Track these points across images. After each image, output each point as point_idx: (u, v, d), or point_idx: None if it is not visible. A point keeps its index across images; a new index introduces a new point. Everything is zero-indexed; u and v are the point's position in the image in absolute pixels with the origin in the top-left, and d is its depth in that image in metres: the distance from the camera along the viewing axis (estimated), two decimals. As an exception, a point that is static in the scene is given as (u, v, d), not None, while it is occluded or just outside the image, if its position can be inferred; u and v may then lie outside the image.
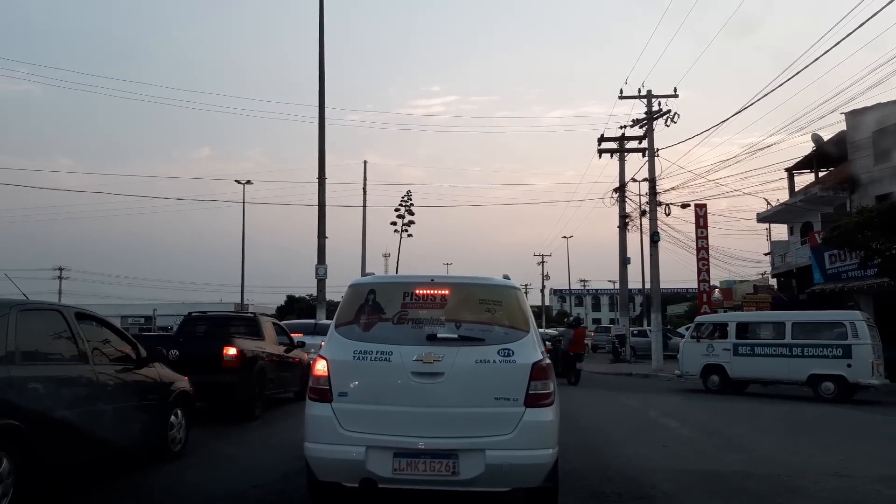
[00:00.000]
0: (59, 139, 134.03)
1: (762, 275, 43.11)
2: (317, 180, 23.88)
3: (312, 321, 19.85)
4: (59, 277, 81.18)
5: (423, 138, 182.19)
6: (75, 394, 5.36)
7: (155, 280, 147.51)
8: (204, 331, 12.54)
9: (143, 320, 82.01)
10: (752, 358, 16.49)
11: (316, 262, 24.40)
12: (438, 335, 4.83)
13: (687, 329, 22.46)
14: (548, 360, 4.89)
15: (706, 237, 28.23)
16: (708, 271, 28.32)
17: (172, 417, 7.00)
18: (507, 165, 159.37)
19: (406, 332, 4.91)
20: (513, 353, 4.77)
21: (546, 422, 4.71)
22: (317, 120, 23.79)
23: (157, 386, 6.81)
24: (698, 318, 20.38)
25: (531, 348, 4.84)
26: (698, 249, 28.17)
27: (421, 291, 5.07)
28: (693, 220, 28.54)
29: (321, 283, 24.50)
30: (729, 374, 16.90)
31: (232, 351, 9.98)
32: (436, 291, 5.06)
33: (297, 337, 13.64)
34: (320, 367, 4.85)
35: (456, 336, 4.83)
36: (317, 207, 23.96)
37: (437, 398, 4.65)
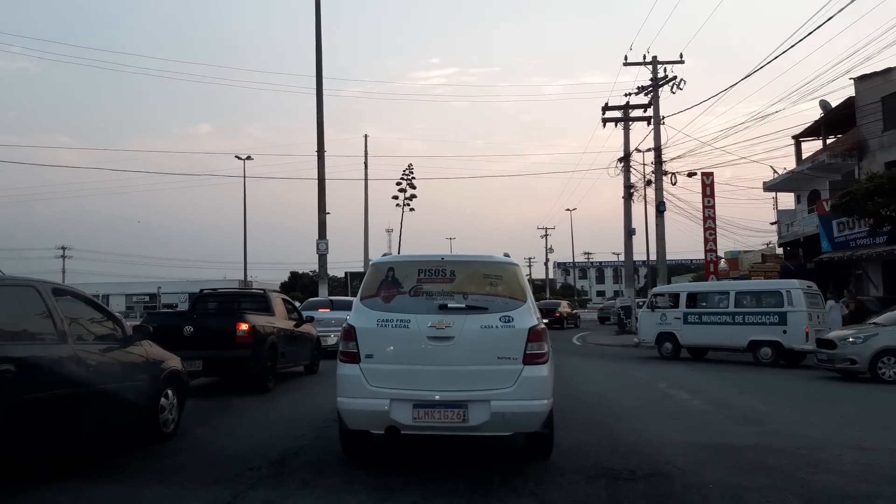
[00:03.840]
0: (56, 116, 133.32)
1: (767, 244, 42.70)
2: (316, 153, 23.46)
3: (329, 298, 20.59)
4: (63, 256, 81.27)
5: (423, 111, 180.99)
6: (53, 375, 5.05)
7: (158, 258, 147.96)
8: (216, 307, 12.77)
9: (147, 298, 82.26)
10: (699, 326, 17.56)
11: (317, 238, 24.07)
12: (449, 305, 5.60)
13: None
14: (543, 325, 5.68)
15: (713, 206, 27.76)
16: (715, 241, 27.88)
17: (163, 398, 6.69)
18: (509, 138, 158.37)
19: (421, 303, 5.68)
20: (512, 319, 5.55)
21: (542, 377, 5.49)
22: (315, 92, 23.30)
23: (146, 365, 6.50)
24: (654, 289, 21.09)
25: (528, 315, 5.63)
26: (705, 219, 27.73)
27: (433, 269, 5.85)
28: (699, 189, 28.12)
29: (322, 258, 24.20)
30: (680, 341, 17.93)
31: (244, 326, 10.24)
32: (446, 268, 5.85)
33: (313, 312, 14.42)
34: (349, 333, 5.65)
35: (464, 306, 5.60)
36: (316, 181, 23.56)
37: (448, 358, 5.44)
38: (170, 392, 6.84)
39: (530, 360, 5.45)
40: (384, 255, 6.54)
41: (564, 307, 41.13)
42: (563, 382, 11.97)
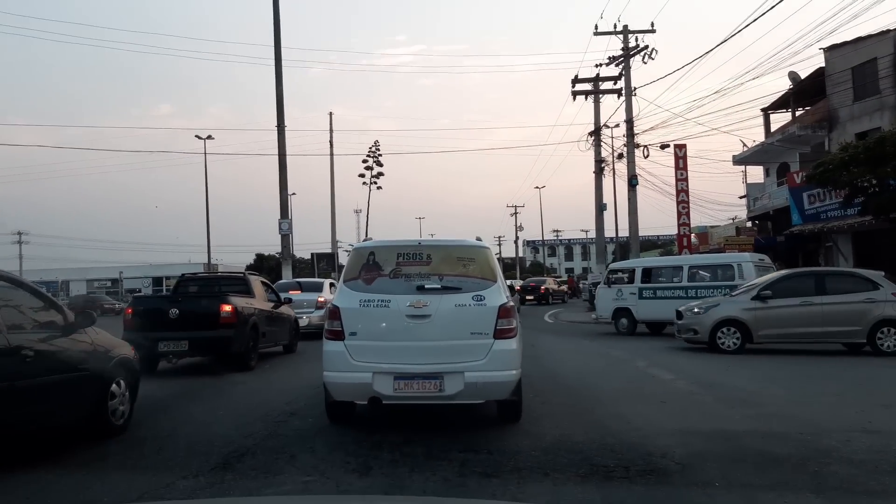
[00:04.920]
0: (8, 96, 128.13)
1: (733, 219, 42.59)
2: (276, 128, 22.39)
3: (296, 280, 20.56)
4: (19, 242, 78.60)
5: (390, 90, 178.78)
6: None
7: (120, 242, 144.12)
8: (198, 290, 13.04)
9: (109, 283, 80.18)
10: (654, 301, 17.58)
11: (279, 217, 23.07)
12: (426, 286, 6.01)
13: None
14: (511, 303, 6.14)
15: (686, 179, 27.19)
16: (688, 214, 27.37)
17: (114, 386, 6.18)
18: (477, 115, 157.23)
19: (400, 284, 6.09)
20: (484, 298, 5.98)
21: (511, 350, 5.96)
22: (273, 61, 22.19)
23: (92, 354, 6.00)
24: (612, 265, 21.24)
25: (498, 294, 6.05)
26: (678, 192, 27.16)
27: (411, 252, 6.24)
28: (667, 163, 27.60)
29: (285, 238, 23.23)
30: (635, 316, 17.95)
31: (228, 308, 10.62)
32: (422, 252, 6.25)
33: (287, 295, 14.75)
34: (334, 313, 6.06)
35: (439, 286, 6.02)
36: (277, 157, 22.51)
37: (426, 334, 5.87)
38: (121, 381, 6.33)
39: (500, 334, 5.90)
40: (365, 240, 7.09)
41: (550, 283, 42.74)
42: (540, 363, 11.39)
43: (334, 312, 6.06)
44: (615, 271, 19.37)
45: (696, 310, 13.57)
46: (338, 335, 5.97)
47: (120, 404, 6.27)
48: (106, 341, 6.40)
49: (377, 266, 6.24)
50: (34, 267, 74.38)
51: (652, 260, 21.82)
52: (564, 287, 46.71)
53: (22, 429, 5.22)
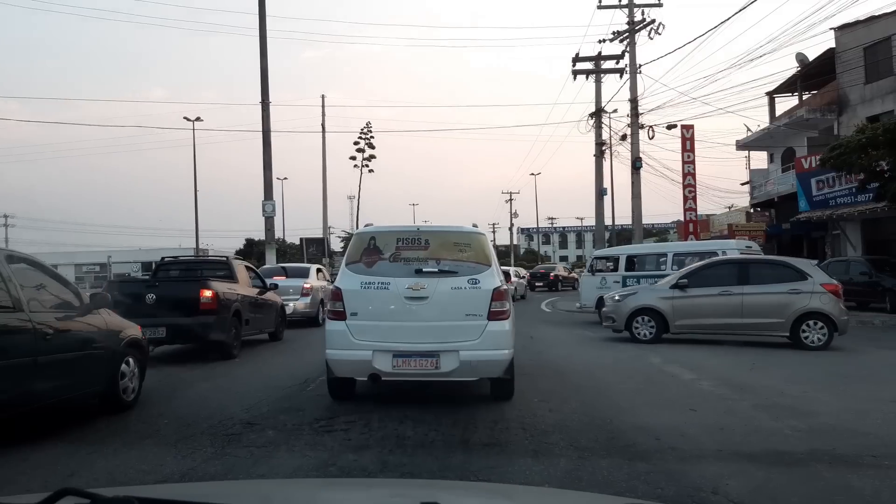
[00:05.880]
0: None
1: (729, 207, 41.50)
2: (260, 104, 21.08)
3: (281, 265, 19.84)
4: (5, 225, 77.13)
5: (384, 74, 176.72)
6: (8, 344, 5.01)
7: (108, 226, 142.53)
8: (178, 274, 12.55)
9: (98, 268, 78.70)
10: None
11: (263, 199, 21.80)
12: (424, 269, 6.31)
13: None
14: (505, 286, 6.45)
15: (693, 161, 25.75)
16: (695, 199, 26.02)
17: (123, 366, 6.54)
18: (473, 98, 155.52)
19: (399, 267, 6.37)
20: (479, 281, 6.27)
21: (504, 331, 6.27)
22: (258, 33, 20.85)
23: (105, 334, 6.36)
24: (595, 252, 20.81)
25: (492, 278, 6.35)
26: (685, 175, 25.77)
27: (410, 238, 6.51)
28: (669, 145, 26.43)
29: (269, 220, 21.98)
30: None
31: (208, 293, 10.23)
32: (421, 237, 6.51)
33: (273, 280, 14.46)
34: (336, 294, 6.40)
35: (437, 270, 6.31)
36: (261, 134, 21.20)
37: (423, 315, 6.18)
38: (130, 360, 6.69)
39: (494, 316, 6.21)
40: (366, 225, 7.30)
41: (559, 270, 43.79)
42: (542, 358, 10.29)
43: (336, 294, 6.40)
44: (600, 259, 18.89)
45: (615, 297, 13.28)
46: (340, 315, 6.29)
47: (130, 382, 6.60)
48: (117, 322, 6.74)
49: (378, 250, 6.50)
50: (21, 251, 72.74)
51: (636, 247, 21.02)
52: (574, 274, 46.57)
53: (43, 402, 5.53)
